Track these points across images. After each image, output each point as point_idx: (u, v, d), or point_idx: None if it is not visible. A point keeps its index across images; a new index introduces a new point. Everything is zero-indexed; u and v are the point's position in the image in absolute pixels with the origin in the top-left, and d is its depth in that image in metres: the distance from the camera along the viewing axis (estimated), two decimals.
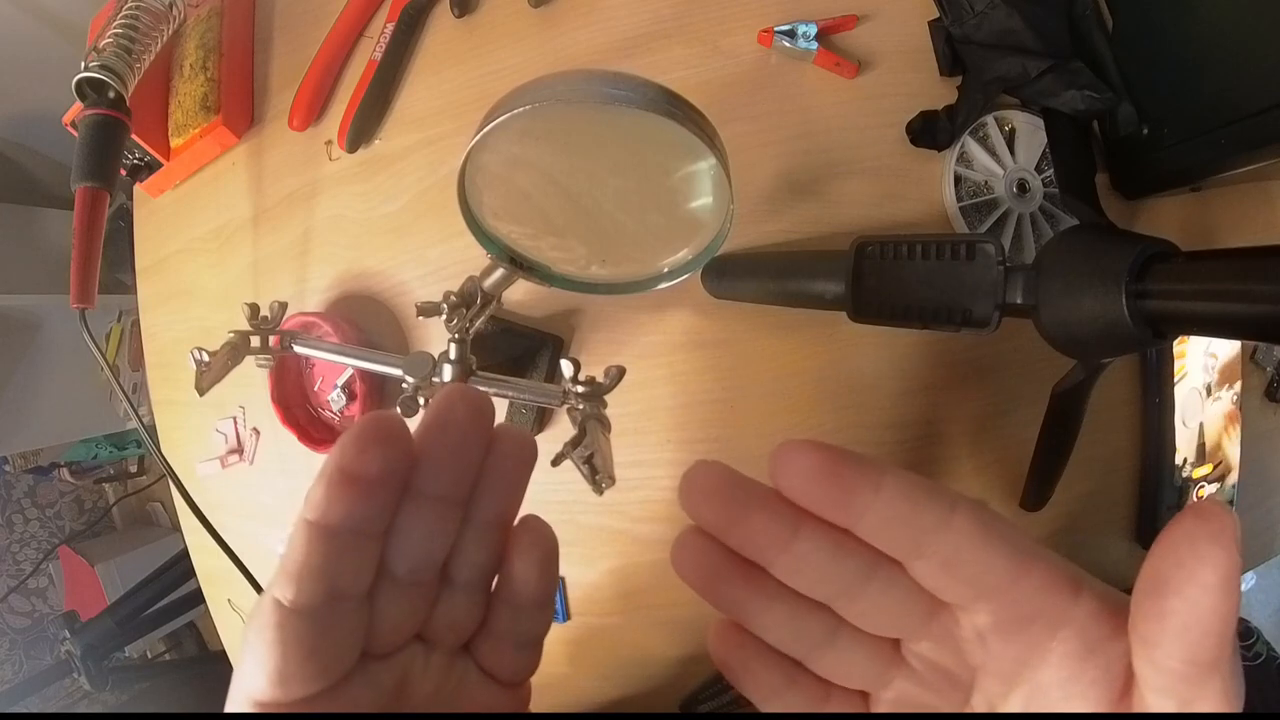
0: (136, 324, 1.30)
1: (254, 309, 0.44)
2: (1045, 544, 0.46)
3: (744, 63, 0.47)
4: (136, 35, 0.49)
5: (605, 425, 0.36)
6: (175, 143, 0.58)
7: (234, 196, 0.59)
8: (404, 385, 0.39)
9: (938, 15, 0.44)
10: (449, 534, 0.21)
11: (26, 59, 1.07)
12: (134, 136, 0.54)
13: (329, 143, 0.55)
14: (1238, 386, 0.48)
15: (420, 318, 0.38)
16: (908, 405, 0.46)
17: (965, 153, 0.44)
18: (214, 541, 0.50)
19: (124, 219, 0.90)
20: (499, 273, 0.39)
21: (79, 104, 0.47)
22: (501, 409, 0.50)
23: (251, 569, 0.52)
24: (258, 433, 0.60)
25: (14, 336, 1.41)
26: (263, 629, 0.19)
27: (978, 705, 0.20)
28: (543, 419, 0.50)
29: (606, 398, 0.36)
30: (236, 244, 0.59)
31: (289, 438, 0.54)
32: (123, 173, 0.57)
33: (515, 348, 0.49)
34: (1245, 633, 0.42)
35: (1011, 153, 0.45)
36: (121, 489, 1.90)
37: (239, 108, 0.58)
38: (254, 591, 0.52)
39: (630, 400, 0.48)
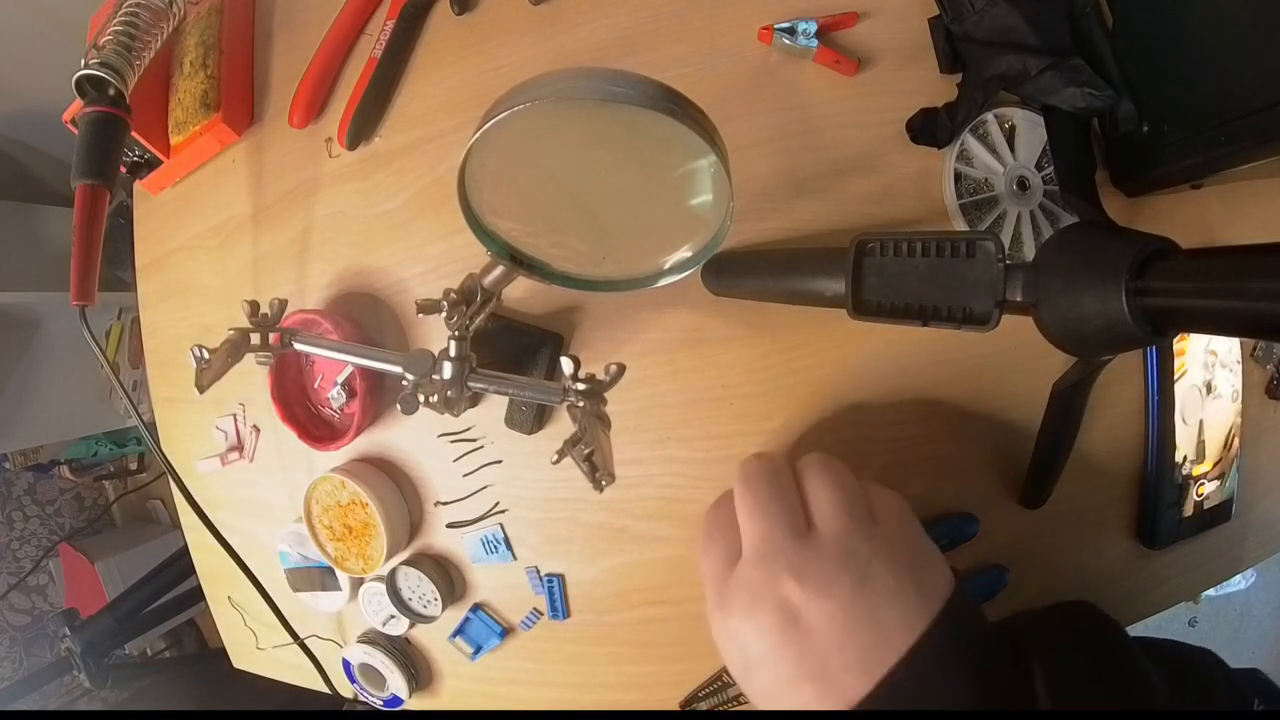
0: (136, 321, 1.30)
1: (254, 306, 0.44)
2: (1045, 542, 0.47)
3: (744, 60, 0.47)
4: (136, 32, 0.49)
5: (605, 423, 0.36)
6: (175, 140, 0.58)
7: (234, 194, 0.59)
8: (404, 383, 0.39)
9: (938, 13, 0.44)
10: None
11: (26, 56, 1.07)
12: (134, 134, 0.54)
13: (329, 140, 0.55)
14: (1238, 384, 0.48)
15: (420, 315, 0.38)
16: (907, 403, 0.46)
17: (965, 150, 0.44)
18: (214, 539, 0.51)
19: (124, 216, 0.90)
20: (499, 270, 0.39)
21: (79, 101, 0.47)
22: (501, 406, 0.51)
23: (251, 566, 0.52)
24: (258, 430, 0.60)
25: (14, 334, 1.41)
26: None
27: None
28: (543, 416, 0.50)
29: (606, 395, 0.36)
30: (236, 241, 0.59)
31: (289, 435, 0.54)
32: (123, 170, 0.57)
33: (515, 345, 0.49)
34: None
35: (1011, 150, 0.45)
36: (121, 486, 1.91)
37: (239, 105, 0.58)
38: (254, 589, 0.52)
39: (630, 398, 0.48)
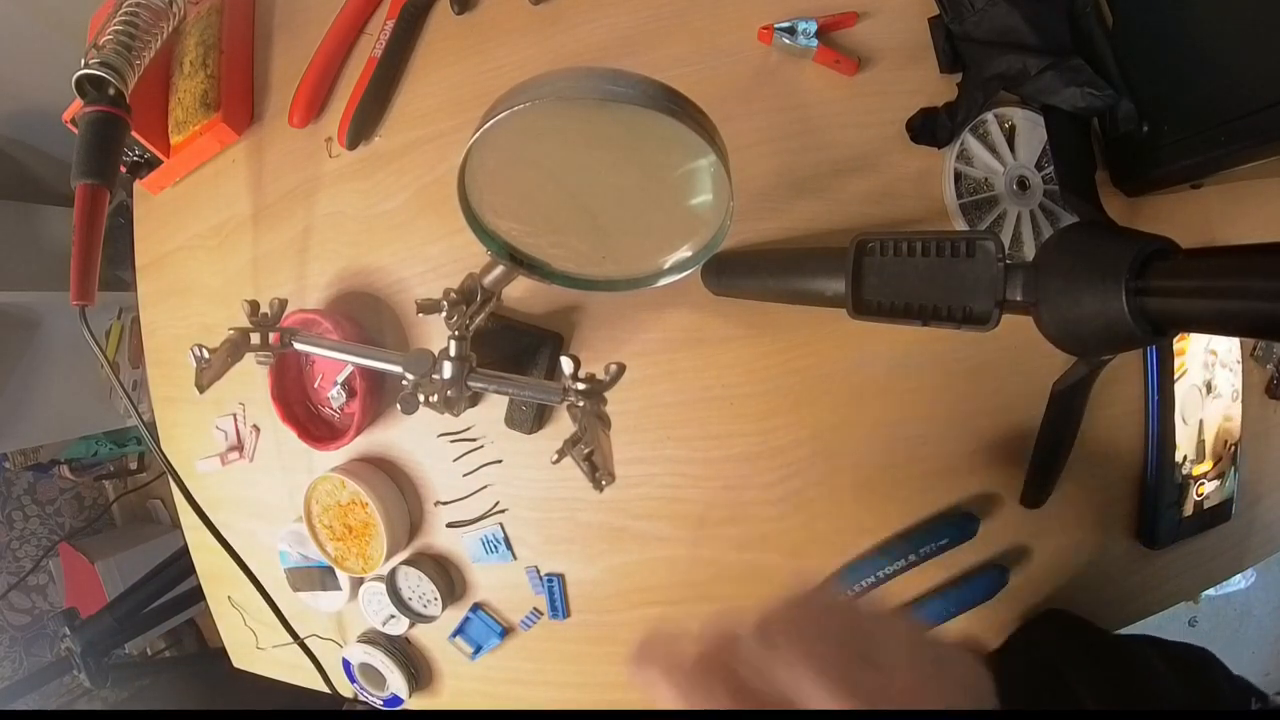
0: (136, 321, 1.30)
1: (254, 306, 0.44)
2: (1045, 542, 0.47)
3: (744, 60, 0.47)
4: (136, 32, 0.49)
5: (605, 422, 0.36)
6: (175, 140, 0.58)
7: (234, 193, 0.59)
8: (404, 382, 0.39)
9: (938, 13, 0.44)
10: None
11: (26, 56, 1.07)
12: (134, 133, 0.54)
13: (329, 140, 0.55)
14: (1238, 384, 0.48)
15: (420, 315, 0.39)
16: (907, 402, 0.46)
17: (965, 150, 0.44)
18: (214, 538, 0.51)
19: (124, 216, 0.90)
20: (499, 270, 0.39)
21: (79, 101, 0.47)
22: (501, 406, 0.51)
23: (251, 566, 0.52)
24: (258, 430, 0.60)
25: (14, 334, 1.41)
26: None
27: None
28: (543, 416, 0.50)
29: (606, 395, 0.36)
30: (236, 241, 0.59)
31: (289, 435, 0.54)
32: (123, 170, 0.57)
33: (515, 345, 0.49)
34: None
35: (1011, 150, 0.45)
36: (121, 486, 1.90)
37: (239, 105, 0.58)
38: (253, 588, 0.52)
39: (630, 397, 0.48)
